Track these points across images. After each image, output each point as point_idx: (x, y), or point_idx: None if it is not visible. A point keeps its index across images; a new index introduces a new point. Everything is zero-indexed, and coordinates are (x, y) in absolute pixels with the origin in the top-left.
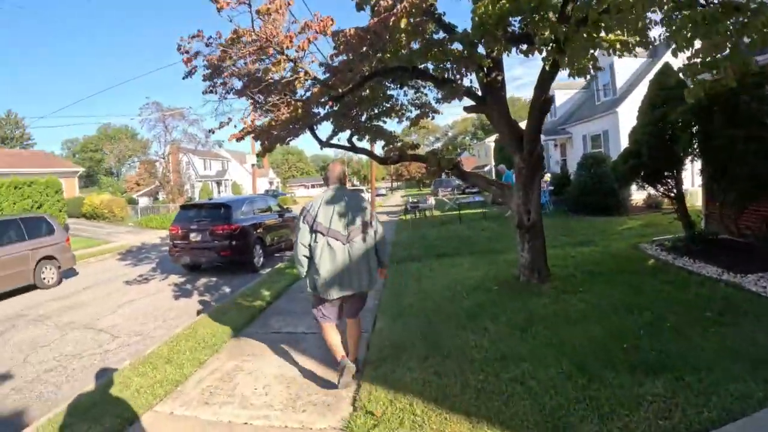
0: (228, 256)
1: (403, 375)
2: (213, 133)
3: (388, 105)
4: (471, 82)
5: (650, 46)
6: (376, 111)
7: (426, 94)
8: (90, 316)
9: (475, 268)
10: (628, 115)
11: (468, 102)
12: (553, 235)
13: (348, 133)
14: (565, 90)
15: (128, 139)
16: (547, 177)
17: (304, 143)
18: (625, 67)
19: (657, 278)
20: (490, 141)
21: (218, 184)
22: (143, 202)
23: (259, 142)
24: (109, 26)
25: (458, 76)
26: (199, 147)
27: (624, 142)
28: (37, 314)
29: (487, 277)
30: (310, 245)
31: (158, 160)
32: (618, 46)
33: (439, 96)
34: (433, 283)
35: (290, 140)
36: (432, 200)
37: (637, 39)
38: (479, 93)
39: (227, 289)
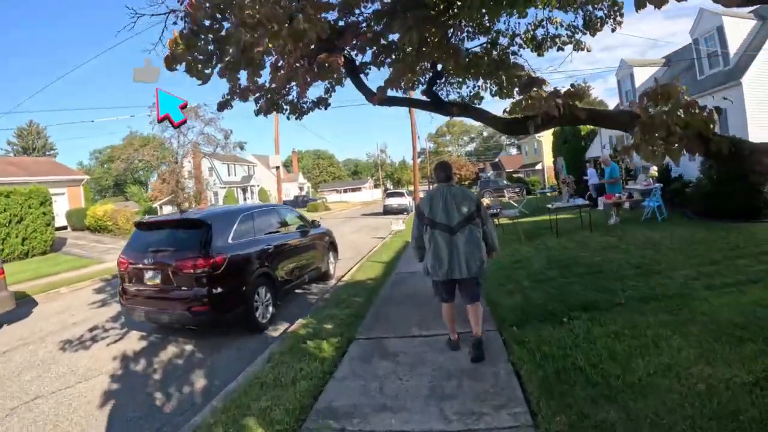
0: (205, 312)
1: None
2: None
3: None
4: None
5: None
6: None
7: None
8: None
9: (703, 351)
10: (756, 88)
11: None
12: (723, 258)
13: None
14: (643, 67)
15: (140, 145)
16: (654, 171)
17: (335, 146)
18: (736, 31)
19: None
20: (541, 136)
21: (243, 190)
22: (167, 211)
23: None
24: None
25: None
26: (218, 150)
27: (753, 121)
28: None
29: None
30: (422, 235)
31: (172, 164)
32: None
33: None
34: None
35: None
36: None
37: None
38: None
39: (198, 384)
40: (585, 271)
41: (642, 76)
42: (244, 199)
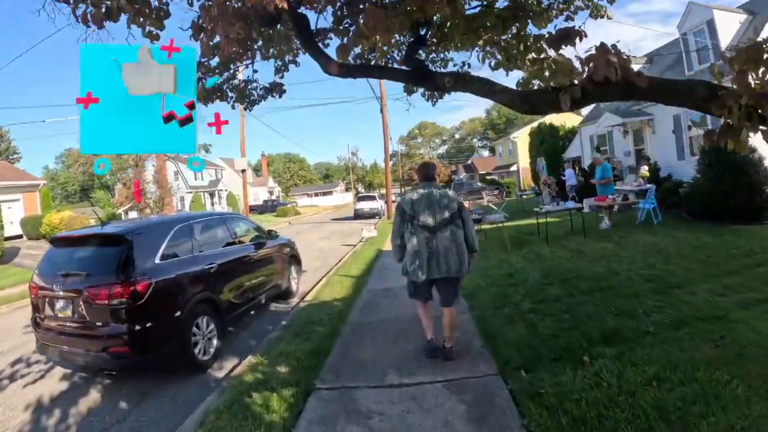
0: (125, 354)
1: None
2: None
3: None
4: None
5: None
6: None
7: None
8: None
9: None
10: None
11: None
12: (742, 267)
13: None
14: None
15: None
16: (645, 171)
17: (306, 149)
18: (727, 25)
19: None
20: (516, 136)
21: (211, 195)
22: (132, 217)
23: None
24: None
25: None
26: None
27: None
28: None
29: None
30: (403, 234)
31: (133, 168)
32: None
33: None
34: None
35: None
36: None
37: None
38: None
39: None
40: (591, 286)
41: None
42: (212, 205)
